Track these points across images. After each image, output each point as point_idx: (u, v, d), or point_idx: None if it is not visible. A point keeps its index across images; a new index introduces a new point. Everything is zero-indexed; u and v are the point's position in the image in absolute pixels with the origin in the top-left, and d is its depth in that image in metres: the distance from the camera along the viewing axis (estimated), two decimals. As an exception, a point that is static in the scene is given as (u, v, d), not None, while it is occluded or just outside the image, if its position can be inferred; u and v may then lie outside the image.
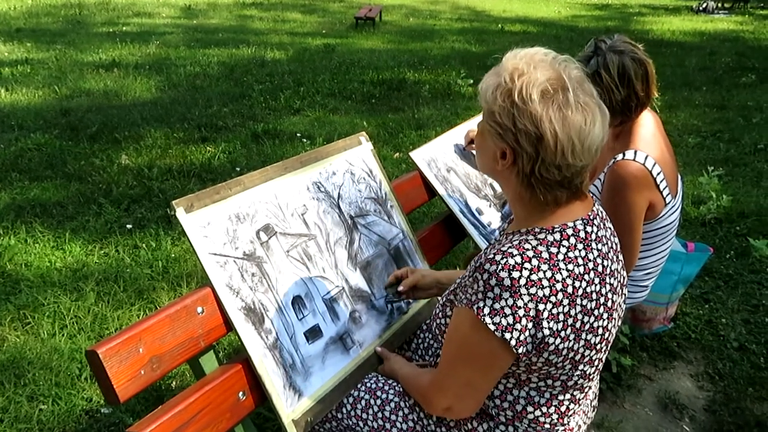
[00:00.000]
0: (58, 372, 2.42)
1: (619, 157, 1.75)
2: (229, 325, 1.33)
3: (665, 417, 2.30)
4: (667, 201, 1.82)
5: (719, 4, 15.30)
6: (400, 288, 1.58)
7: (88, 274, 3.09)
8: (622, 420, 2.27)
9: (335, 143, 1.74)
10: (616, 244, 1.25)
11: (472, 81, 6.98)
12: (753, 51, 9.59)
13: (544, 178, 1.10)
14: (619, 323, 1.28)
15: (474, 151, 2.15)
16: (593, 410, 1.44)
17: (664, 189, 1.79)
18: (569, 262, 1.12)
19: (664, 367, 2.54)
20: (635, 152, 1.75)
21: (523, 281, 1.07)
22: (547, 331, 1.10)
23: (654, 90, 1.80)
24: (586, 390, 1.28)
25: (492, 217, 2.18)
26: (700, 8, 14.90)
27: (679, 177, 1.94)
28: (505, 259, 1.09)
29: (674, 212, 1.90)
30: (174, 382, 2.39)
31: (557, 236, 1.13)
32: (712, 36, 11.22)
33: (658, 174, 1.76)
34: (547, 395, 1.23)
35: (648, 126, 1.83)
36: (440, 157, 2.16)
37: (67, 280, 3.06)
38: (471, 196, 2.16)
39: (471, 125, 2.33)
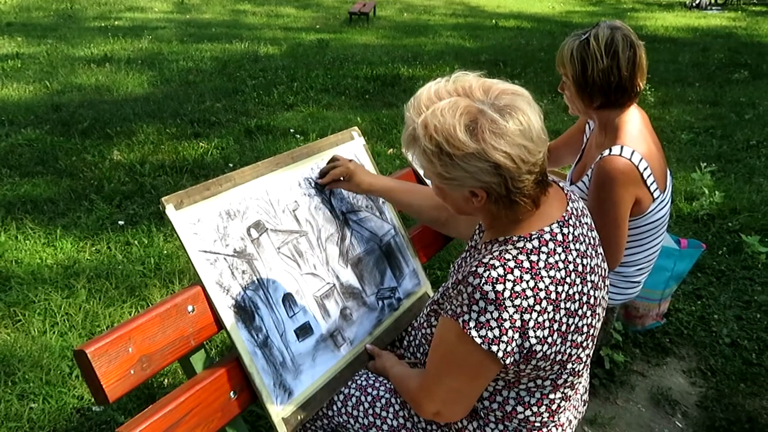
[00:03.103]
0: (48, 370, 2.41)
1: (606, 152, 1.75)
2: (219, 324, 1.32)
3: (658, 413, 2.30)
4: (655, 196, 1.83)
5: (713, 0, 15.31)
6: (320, 181, 1.61)
7: (79, 271, 3.07)
8: (614, 416, 2.27)
9: (327, 138, 1.73)
10: (594, 239, 1.25)
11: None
12: (746, 47, 9.61)
13: (522, 188, 1.09)
14: (604, 315, 1.28)
15: None
16: (584, 405, 1.44)
17: (651, 184, 1.79)
18: (550, 268, 1.11)
19: (657, 363, 2.55)
20: (621, 148, 1.75)
21: (507, 293, 1.07)
22: (534, 340, 1.10)
23: (640, 80, 1.78)
24: (576, 386, 1.28)
25: (485, 214, 2.18)
26: (694, 4, 14.90)
27: (669, 172, 1.94)
28: (488, 272, 1.08)
29: (663, 207, 1.90)
30: (166, 380, 2.38)
31: (535, 243, 1.13)
32: (705, 32, 11.23)
33: (645, 169, 1.76)
34: (537, 395, 1.23)
35: (635, 122, 1.84)
36: (433, 154, 2.15)
37: (58, 277, 3.03)
38: (464, 193, 2.15)
39: None
